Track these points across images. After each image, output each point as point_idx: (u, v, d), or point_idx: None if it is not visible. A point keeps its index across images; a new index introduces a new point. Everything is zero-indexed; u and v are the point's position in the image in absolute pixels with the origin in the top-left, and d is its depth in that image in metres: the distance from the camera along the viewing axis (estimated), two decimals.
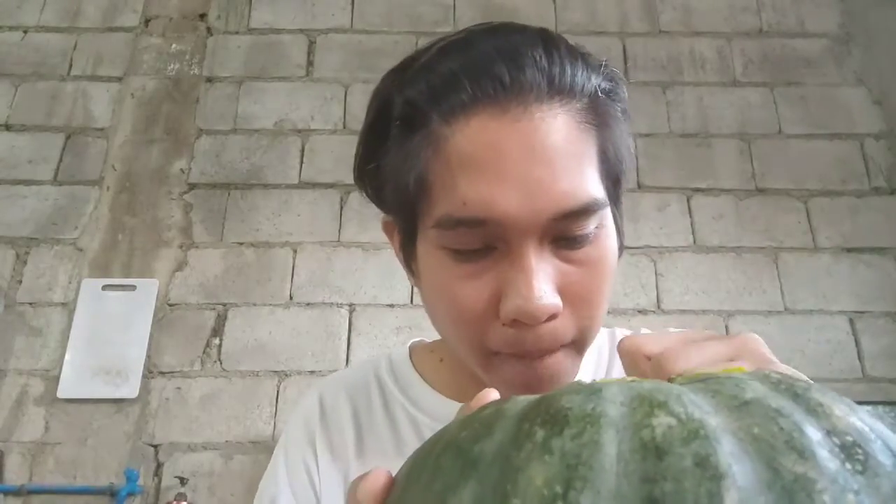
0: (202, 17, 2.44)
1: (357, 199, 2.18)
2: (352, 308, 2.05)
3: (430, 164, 0.47)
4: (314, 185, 2.20)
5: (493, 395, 0.32)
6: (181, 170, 2.21)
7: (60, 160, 2.21)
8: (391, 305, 2.05)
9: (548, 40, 0.48)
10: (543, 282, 0.45)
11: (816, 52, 2.41)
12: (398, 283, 2.07)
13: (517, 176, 0.44)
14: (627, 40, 2.43)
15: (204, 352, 1.99)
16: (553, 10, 2.46)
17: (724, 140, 2.28)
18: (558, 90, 0.46)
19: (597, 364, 0.60)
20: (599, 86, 0.49)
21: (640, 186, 2.20)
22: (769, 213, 2.18)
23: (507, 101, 0.45)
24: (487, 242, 0.46)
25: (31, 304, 2.03)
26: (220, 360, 1.98)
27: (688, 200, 2.19)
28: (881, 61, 2.33)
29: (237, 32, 2.42)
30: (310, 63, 2.37)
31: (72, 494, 1.83)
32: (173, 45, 2.39)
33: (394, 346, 0.67)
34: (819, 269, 2.11)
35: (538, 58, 0.46)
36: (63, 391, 1.92)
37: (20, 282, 2.06)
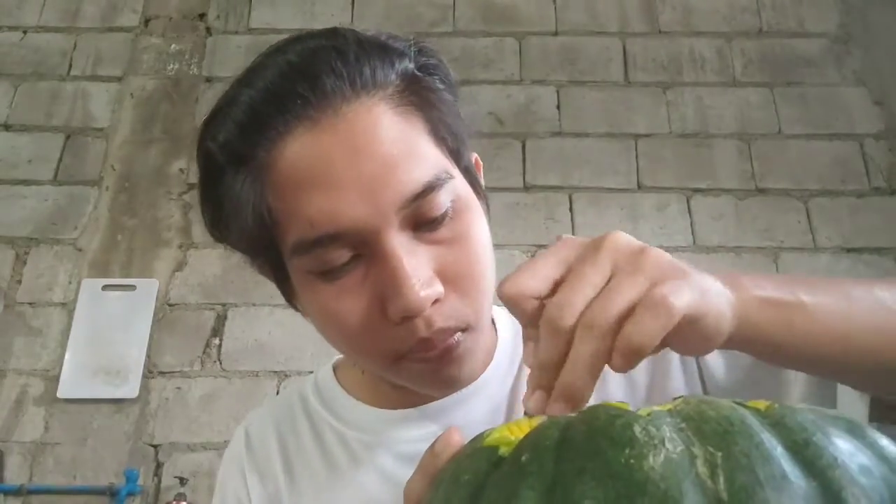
0: (202, 17, 2.44)
1: None
2: None
3: (265, 198, 0.46)
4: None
5: (456, 435, 0.32)
6: (180, 170, 2.21)
7: (60, 160, 2.21)
8: None
9: (337, 42, 0.48)
10: (417, 271, 0.44)
11: (816, 52, 2.41)
12: None
13: (350, 179, 0.44)
14: (627, 40, 2.43)
15: (204, 352, 1.99)
16: (553, 10, 2.46)
17: (723, 140, 2.28)
18: (362, 86, 0.46)
19: (514, 347, 0.59)
20: (406, 68, 0.48)
21: (640, 186, 2.20)
22: (769, 214, 2.18)
23: (317, 112, 0.45)
24: (350, 251, 0.45)
25: (30, 304, 2.03)
26: (219, 360, 1.98)
27: (688, 200, 2.19)
28: (881, 61, 2.33)
29: (237, 32, 2.42)
30: None
31: (72, 494, 1.83)
32: (173, 45, 2.39)
33: (324, 363, 0.66)
34: (819, 269, 2.11)
35: (332, 63, 0.46)
36: (63, 391, 1.92)
37: (20, 282, 2.06)
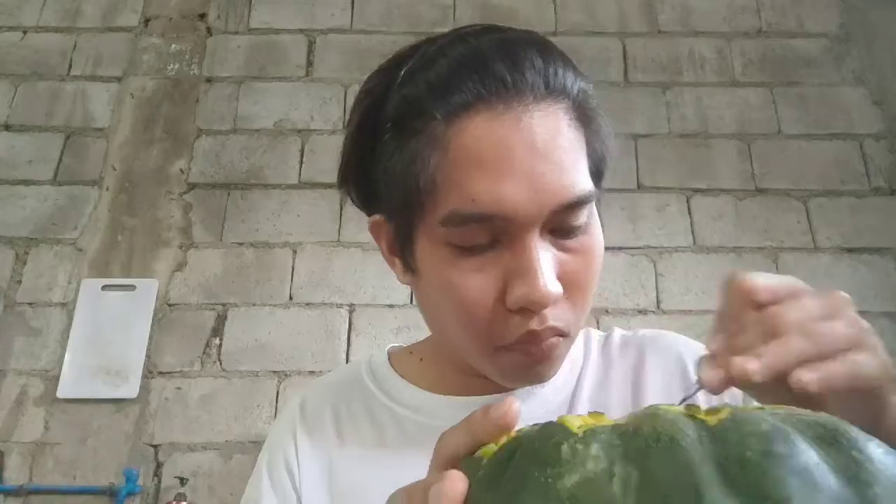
0: (202, 17, 2.44)
1: None
2: (352, 308, 2.05)
3: (436, 164, 0.48)
4: (314, 186, 2.20)
5: (517, 403, 0.32)
6: (181, 170, 2.21)
7: (60, 160, 2.21)
8: (391, 305, 2.05)
9: (541, 43, 0.51)
10: (547, 270, 0.47)
11: (816, 53, 2.41)
12: (397, 283, 2.07)
13: (522, 172, 0.47)
14: (627, 40, 2.43)
15: (204, 352, 1.99)
16: (553, 10, 2.46)
17: (723, 140, 2.28)
18: (552, 90, 0.49)
19: (572, 361, 0.61)
20: (584, 87, 0.52)
21: (639, 186, 2.20)
22: (769, 214, 2.18)
23: (509, 99, 0.47)
24: (492, 237, 0.48)
25: (30, 304, 2.03)
26: (219, 360, 1.98)
27: (687, 200, 2.19)
28: (881, 61, 2.33)
29: (237, 32, 2.42)
30: (309, 63, 2.37)
31: (71, 494, 1.83)
32: (173, 45, 2.39)
33: (378, 351, 0.68)
34: (819, 269, 2.11)
35: (535, 59, 0.49)
36: (63, 391, 1.92)
37: (20, 282, 2.06)
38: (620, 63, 2.39)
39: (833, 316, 0.37)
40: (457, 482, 0.27)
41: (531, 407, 0.57)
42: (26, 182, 2.18)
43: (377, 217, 0.57)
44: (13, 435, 1.88)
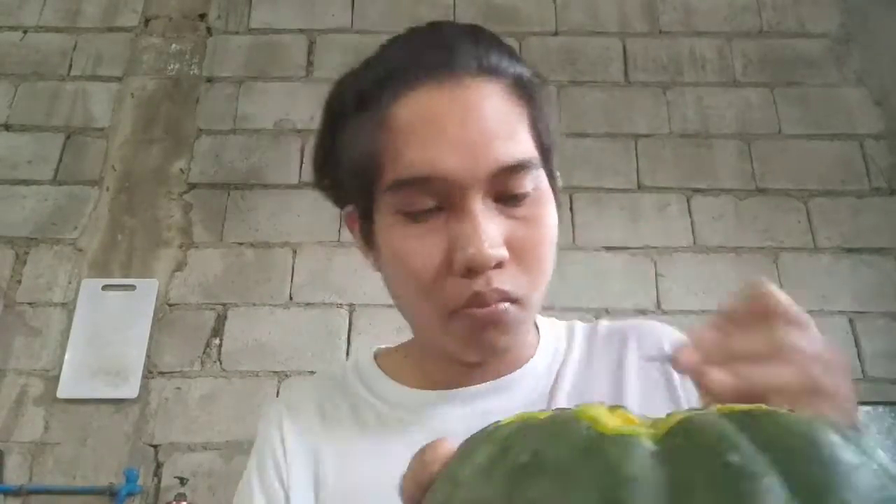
0: (202, 17, 2.44)
1: None
2: (352, 308, 2.05)
3: (378, 139, 0.53)
4: (314, 186, 2.19)
5: (448, 443, 0.32)
6: (181, 170, 2.21)
7: (60, 160, 2.21)
8: (391, 305, 2.03)
9: (477, 33, 0.56)
10: (490, 232, 0.50)
11: (817, 53, 2.40)
12: None
13: (455, 137, 0.50)
14: (628, 41, 2.43)
15: (204, 352, 1.99)
16: (553, 11, 2.46)
17: (724, 140, 2.28)
18: (486, 70, 0.53)
19: (554, 353, 0.62)
20: (524, 72, 0.56)
21: (640, 186, 2.20)
22: (769, 214, 2.17)
23: (442, 77, 0.52)
24: (437, 202, 0.51)
25: (30, 304, 2.03)
26: (219, 360, 1.98)
27: (688, 200, 2.19)
28: (881, 61, 2.33)
29: (237, 32, 2.42)
30: (310, 63, 2.37)
31: (71, 494, 1.83)
32: (173, 45, 2.39)
33: (365, 351, 0.69)
34: (819, 269, 2.11)
35: (467, 45, 0.53)
36: (63, 391, 1.92)
37: (20, 282, 2.06)
38: (621, 63, 2.39)
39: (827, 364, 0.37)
40: (444, 443, 0.29)
41: (511, 397, 0.58)
42: (26, 182, 2.18)
43: (349, 208, 0.60)
44: (13, 435, 1.88)
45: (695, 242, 2.14)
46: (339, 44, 2.40)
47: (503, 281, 0.50)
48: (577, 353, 0.62)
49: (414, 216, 0.52)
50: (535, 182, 0.53)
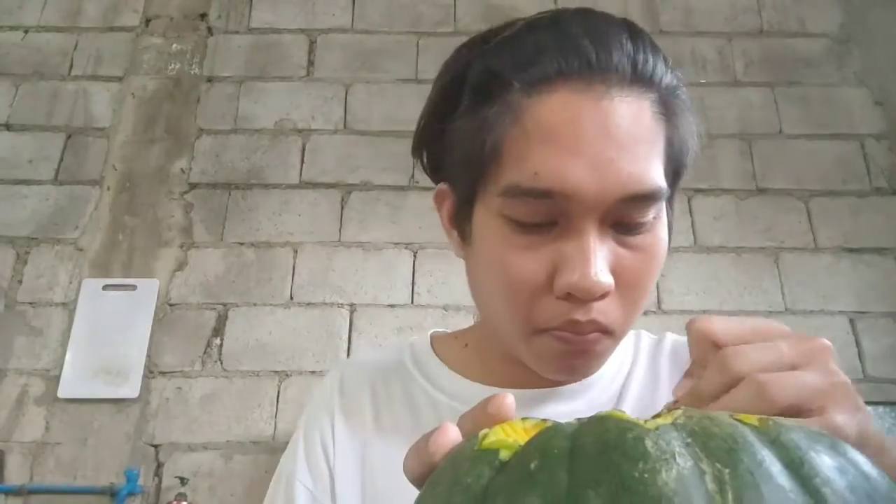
0: (203, 16, 2.44)
1: (357, 199, 2.18)
2: (352, 308, 2.05)
3: (506, 132, 0.48)
4: (315, 185, 2.20)
5: (510, 398, 0.32)
6: (182, 169, 2.22)
7: (61, 160, 2.21)
8: (391, 305, 2.05)
9: (634, 29, 0.49)
10: (600, 260, 0.46)
11: (817, 53, 2.40)
12: (398, 283, 2.07)
13: (591, 153, 0.45)
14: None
15: (204, 352, 1.99)
16: None
17: (724, 140, 2.28)
18: (639, 77, 0.47)
19: (620, 363, 0.60)
20: (672, 80, 0.50)
21: None
22: (770, 213, 2.17)
23: (592, 78, 0.46)
24: (550, 217, 0.47)
25: (31, 303, 2.03)
26: (220, 360, 1.98)
27: (688, 200, 2.19)
28: (882, 61, 2.33)
29: (238, 32, 2.42)
30: (310, 63, 2.37)
31: (72, 494, 1.83)
32: (174, 45, 2.39)
33: (421, 336, 0.67)
34: (820, 269, 2.11)
35: (624, 42, 0.47)
36: (63, 391, 1.92)
37: (20, 282, 2.06)
38: None
39: (805, 364, 0.33)
40: (450, 430, 0.28)
41: (577, 404, 0.56)
42: (27, 182, 2.18)
43: (443, 186, 0.57)
44: (14, 435, 1.88)
45: (695, 242, 2.14)
46: (340, 44, 2.40)
47: (603, 312, 0.47)
48: (643, 364, 0.61)
49: (523, 226, 0.48)
50: (658, 210, 0.49)
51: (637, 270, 0.48)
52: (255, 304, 2.04)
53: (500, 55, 0.50)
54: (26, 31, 2.40)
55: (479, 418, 0.31)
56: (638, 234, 0.48)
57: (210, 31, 2.43)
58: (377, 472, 0.57)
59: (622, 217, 0.47)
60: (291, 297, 2.06)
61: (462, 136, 0.51)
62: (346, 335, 2.02)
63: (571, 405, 0.56)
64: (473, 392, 0.57)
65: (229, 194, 2.19)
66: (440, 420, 0.57)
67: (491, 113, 0.48)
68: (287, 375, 1.97)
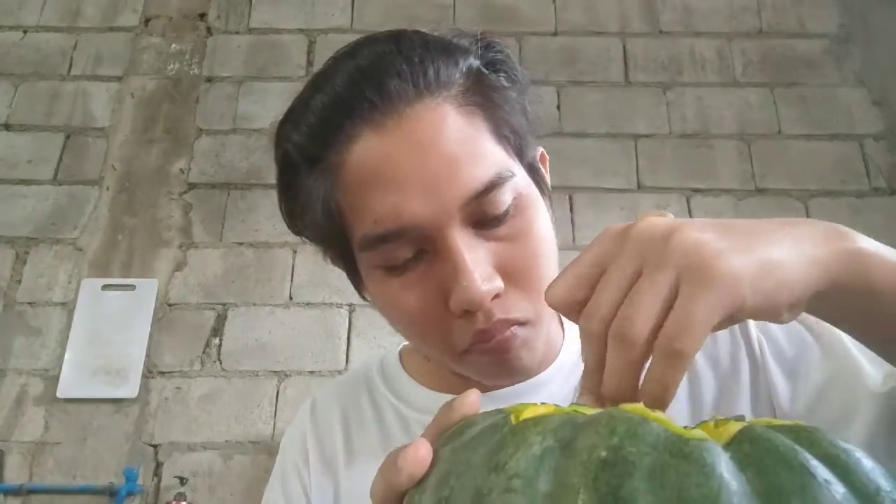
0: (202, 16, 2.44)
1: None
2: (352, 308, 2.05)
3: (332, 195, 0.49)
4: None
5: (475, 395, 0.32)
6: (181, 170, 2.21)
7: (60, 160, 2.21)
8: None
9: (403, 45, 0.50)
10: (478, 267, 0.46)
11: (816, 53, 2.41)
12: None
13: (413, 178, 0.46)
14: (628, 41, 2.43)
15: (204, 352, 1.99)
16: (553, 11, 2.46)
17: (723, 140, 2.28)
18: (425, 87, 0.47)
19: (577, 357, 0.60)
20: (471, 65, 0.50)
21: (640, 186, 2.20)
22: (769, 214, 2.17)
23: (382, 116, 0.47)
24: (415, 248, 0.47)
25: (30, 303, 2.03)
26: (219, 360, 1.98)
27: (688, 201, 2.19)
28: (881, 62, 2.33)
29: (237, 32, 2.42)
30: (310, 63, 2.37)
31: (71, 494, 1.83)
32: (173, 45, 2.39)
33: (392, 347, 0.68)
34: None
35: (398, 66, 0.48)
36: (63, 391, 1.92)
37: (20, 282, 2.06)
38: (621, 63, 2.39)
39: (643, 267, 0.31)
40: (420, 446, 0.28)
41: (539, 398, 0.56)
42: (26, 182, 2.18)
43: (328, 253, 0.57)
44: (13, 434, 1.88)
45: None
46: (339, 44, 2.36)
47: (505, 309, 0.48)
48: None
49: (395, 268, 0.48)
50: (514, 191, 0.48)
51: (519, 257, 0.48)
52: (254, 305, 2.04)
53: (299, 129, 0.51)
54: (26, 31, 2.40)
55: (443, 421, 0.31)
56: (504, 223, 0.48)
57: (209, 31, 2.43)
58: (345, 489, 0.58)
59: (479, 216, 0.47)
60: (290, 298, 2.06)
61: (308, 213, 0.52)
62: (346, 335, 2.02)
63: (535, 399, 0.56)
64: (434, 401, 0.57)
65: (228, 194, 2.19)
66: (408, 435, 0.57)
67: (314, 184, 0.50)
68: (286, 375, 1.97)
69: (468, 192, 0.46)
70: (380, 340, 2.00)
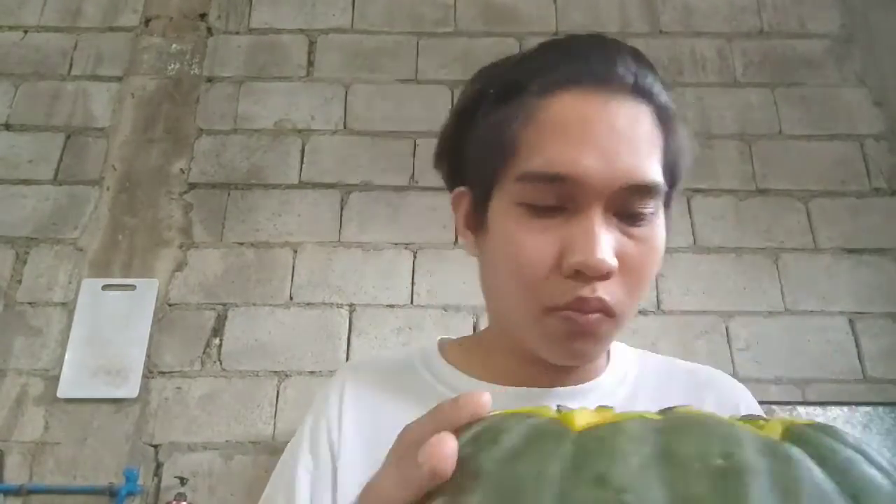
0: (202, 16, 2.44)
1: (357, 200, 2.18)
2: (352, 308, 2.05)
3: (521, 129, 0.53)
4: (314, 186, 2.20)
5: (488, 395, 0.31)
6: (181, 170, 2.21)
7: (60, 160, 2.21)
8: (391, 306, 2.05)
9: (637, 54, 0.56)
10: (605, 242, 0.50)
11: (817, 53, 2.40)
12: (398, 283, 2.07)
13: (599, 145, 0.51)
14: (628, 41, 2.38)
15: (204, 352, 1.99)
16: (553, 11, 2.46)
17: (724, 140, 2.28)
18: (640, 90, 0.53)
19: (624, 376, 0.62)
20: (668, 100, 0.56)
21: None
22: (770, 214, 2.17)
23: (598, 85, 0.52)
24: (560, 201, 0.51)
25: (30, 303, 2.03)
26: (220, 360, 1.98)
27: (688, 201, 2.19)
28: (882, 62, 2.33)
29: (237, 32, 2.42)
30: (310, 63, 2.37)
31: (71, 494, 1.83)
32: (173, 45, 2.39)
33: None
34: (819, 269, 2.10)
35: (628, 60, 0.54)
36: (63, 391, 1.92)
37: (20, 281, 2.06)
38: None
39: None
40: (448, 440, 0.26)
41: (592, 401, 0.56)
42: (27, 182, 2.18)
43: (460, 189, 0.61)
44: (13, 434, 1.88)
45: (695, 243, 2.14)
46: (339, 44, 2.40)
47: (608, 291, 0.51)
48: (651, 381, 0.63)
49: (535, 210, 0.52)
50: (657, 208, 0.53)
51: (638, 258, 0.52)
52: (254, 305, 2.04)
53: (516, 67, 0.56)
54: (26, 31, 2.40)
55: (446, 418, 0.30)
56: (639, 225, 0.52)
57: (210, 31, 2.43)
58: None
59: (625, 206, 0.51)
60: (291, 298, 2.06)
61: (482, 137, 0.56)
62: (346, 335, 2.02)
63: (587, 401, 0.57)
64: (475, 387, 0.59)
65: (229, 194, 2.19)
66: None
67: (508, 113, 0.54)
68: (286, 376, 1.97)
69: (633, 179, 0.50)
70: (380, 341, 2.00)
